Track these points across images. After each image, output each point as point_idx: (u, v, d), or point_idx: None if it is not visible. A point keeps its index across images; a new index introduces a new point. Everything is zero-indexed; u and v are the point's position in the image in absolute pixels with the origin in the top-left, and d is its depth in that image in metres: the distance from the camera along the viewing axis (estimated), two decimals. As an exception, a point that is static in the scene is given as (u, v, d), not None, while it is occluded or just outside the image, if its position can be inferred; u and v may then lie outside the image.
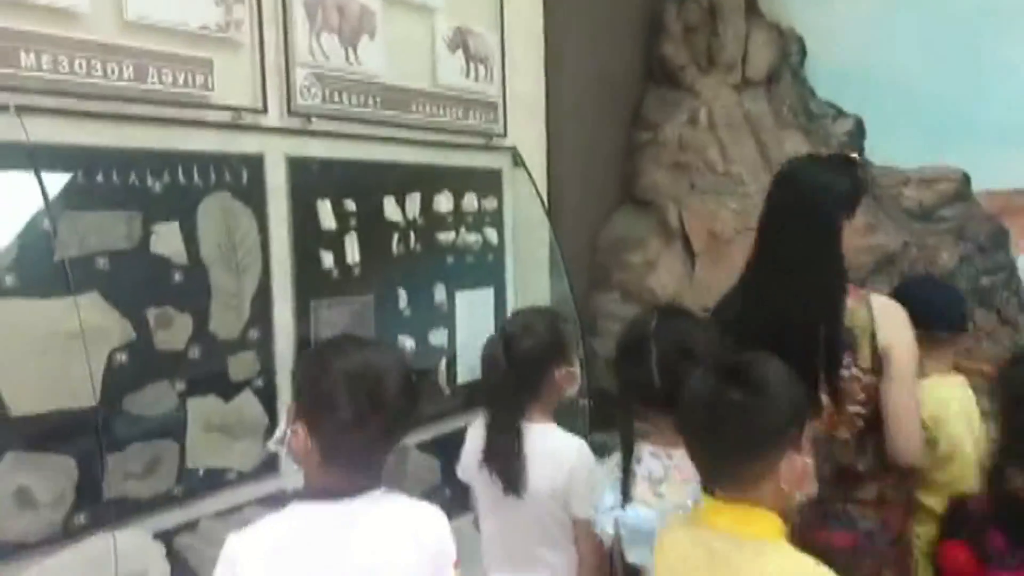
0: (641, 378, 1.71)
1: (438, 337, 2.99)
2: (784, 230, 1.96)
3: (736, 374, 1.37)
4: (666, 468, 1.71)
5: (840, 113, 4.56)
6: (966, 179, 4.17)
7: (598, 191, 4.27)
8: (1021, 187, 3.98)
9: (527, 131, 3.63)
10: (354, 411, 1.32)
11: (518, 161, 3.44)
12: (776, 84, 4.67)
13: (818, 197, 1.93)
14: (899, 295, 2.33)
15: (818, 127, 4.58)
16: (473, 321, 3.16)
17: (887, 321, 1.95)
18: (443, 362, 3.02)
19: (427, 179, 2.97)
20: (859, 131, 4.53)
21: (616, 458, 1.78)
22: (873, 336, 1.93)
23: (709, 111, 4.37)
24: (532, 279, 3.53)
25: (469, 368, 3.16)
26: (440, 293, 3.01)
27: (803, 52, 4.69)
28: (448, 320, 3.05)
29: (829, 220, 1.92)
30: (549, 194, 3.77)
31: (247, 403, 2.36)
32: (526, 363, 1.97)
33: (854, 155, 2.27)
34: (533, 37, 3.72)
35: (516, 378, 1.96)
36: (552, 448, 1.96)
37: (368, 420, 1.33)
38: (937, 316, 2.37)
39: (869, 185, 2.00)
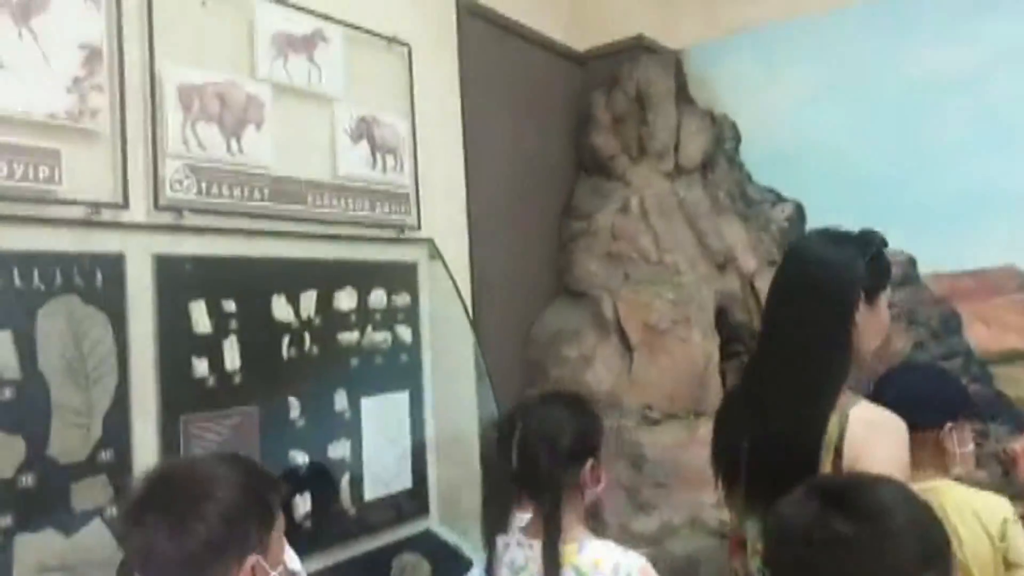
0: (504, 462, 1.68)
1: (339, 450, 2.69)
2: (785, 310, 1.82)
3: (842, 499, 1.09)
4: (527, 558, 1.66)
5: (779, 198, 4.47)
6: (912, 262, 4.05)
7: (530, 282, 4.08)
8: (967, 268, 3.86)
9: (446, 221, 3.45)
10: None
11: (434, 254, 3.23)
12: (712, 171, 4.59)
13: (833, 276, 1.76)
14: (876, 389, 2.11)
15: (757, 213, 4.48)
16: (384, 429, 2.88)
17: (859, 435, 1.66)
18: (346, 477, 2.71)
19: (326, 275, 2.74)
20: (799, 216, 4.44)
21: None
22: (838, 452, 1.66)
23: (641, 200, 4.25)
24: (455, 379, 3.27)
25: (380, 482, 2.86)
26: (341, 400, 2.72)
27: (737, 137, 4.64)
28: (352, 430, 2.76)
29: (839, 301, 1.74)
30: (473, 287, 3.57)
31: (95, 536, 2.03)
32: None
33: (875, 232, 2.09)
34: (450, 126, 3.60)
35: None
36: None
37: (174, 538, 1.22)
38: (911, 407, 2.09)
39: (890, 267, 1.83)
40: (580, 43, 4.77)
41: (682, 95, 4.68)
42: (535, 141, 4.28)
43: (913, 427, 1.85)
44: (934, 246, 3.88)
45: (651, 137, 4.51)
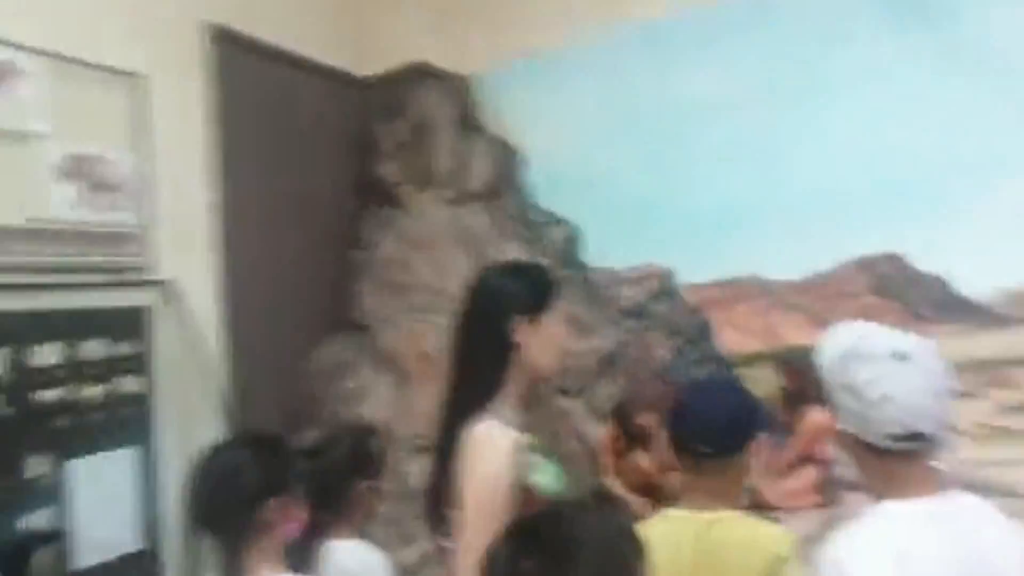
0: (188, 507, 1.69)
1: (35, 520, 2.46)
2: (460, 336, 1.91)
3: (535, 535, 1.12)
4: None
5: (557, 220, 4.57)
6: (670, 274, 4.23)
7: (304, 317, 3.95)
8: (718, 279, 4.06)
9: (192, 261, 3.27)
10: None
11: (170, 297, 3.05)
12: (499, 197, 4.64)
13: (488, 301, 1.88)
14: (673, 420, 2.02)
15: (537, 236, 4.56)
16: (103, 490, 2.66)
17: (467, 452, 1.73)
18: (43, 550, 2.47)
19: (19, 329, 2.52)
20: (574, 236, 4.55)
21: None
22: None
23: (421, 228, 4.23)
24: (200, 427, 3.08)
25: (99, 547, 2.64)
26: (38, 465, 2.50)
27: (523, 163, 4.71)
28: (53, 496, 2.53)
29: (489, 323, 1.84)
30: (231, 327, 3.40)
31: None
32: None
33: (541, 260, 2.21)
34: (196, 160, 3.42)
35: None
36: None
37: None
38: (715, 436, 1.93)
39: (555, 289, 1.98)
40: (362, 69, 4.70)
41: (469, 121, 4.70)
42: (310, 171, 4.16)
43: (715, 455, 1.84)
44: (690, 259, 4.07)
45: (435, 164, 4.50)
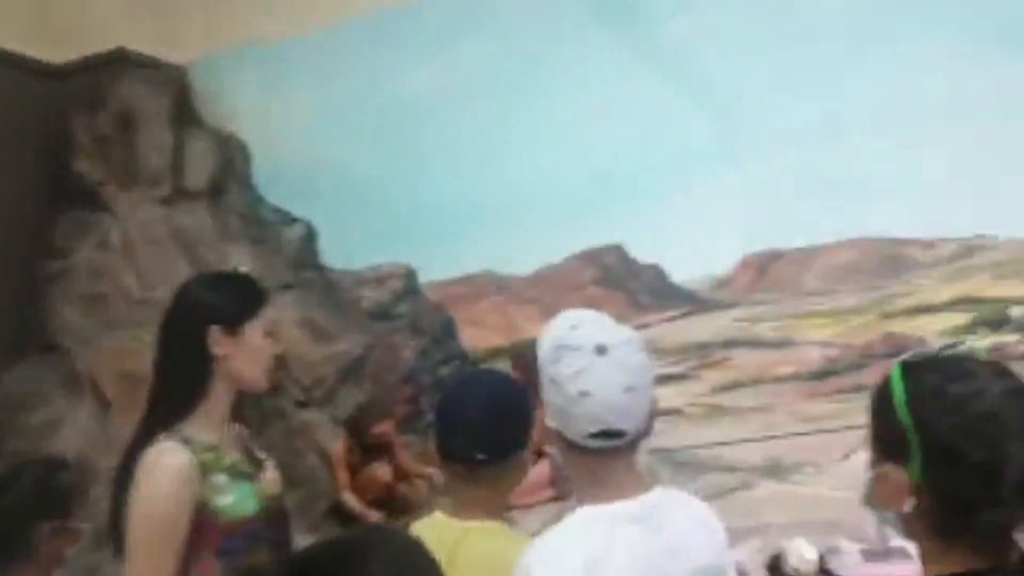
0: None
1: None
2: (157, 350, 1.70)
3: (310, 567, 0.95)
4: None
5: (291, 219, 4.29)
6: (412, 273, 4.13)
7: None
8: (458, 276, 4.03)
9: None
10: None
11: None
12: (222, 195, 4.26)
13: (184, 312, 1.71)
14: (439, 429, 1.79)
15: (269, 236, 4.26)
16: None
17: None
18: None
19: None
20: (310, 235, 4.31)
21: None
22: None
23: (125, 231, 3.76)
24: None
25: None
26: None
27: (249, 157, 4.37)
28: None
29: (183, 334, 1.67)
30: None
31: None
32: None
33: (243, 269, 1.91)
34: None
35: None
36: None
37: None
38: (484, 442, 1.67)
39: (258, 298, 1.75)
40: (56, 55, 4.10)
41: (185, 114, 4.27)
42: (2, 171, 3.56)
43: (489, 461, 1.58)
44: (430, 256, 3.98)
45: (143, 161, 4.03)
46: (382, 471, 3.38)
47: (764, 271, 3.59)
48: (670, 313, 3.69)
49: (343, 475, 3.38)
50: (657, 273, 3.71)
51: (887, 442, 0.91)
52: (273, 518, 1.57)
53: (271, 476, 1.71)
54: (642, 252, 3.73)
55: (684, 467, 3.73)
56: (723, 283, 3.64)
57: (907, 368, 0.90)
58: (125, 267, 3.64)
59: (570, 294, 3.81)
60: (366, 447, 3.40)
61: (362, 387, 4.13)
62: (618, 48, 3.47)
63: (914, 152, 3.32)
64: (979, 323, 3.36)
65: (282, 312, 4.07)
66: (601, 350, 1.36)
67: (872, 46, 3.41)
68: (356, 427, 3.44)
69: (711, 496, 3.18)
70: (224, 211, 4.18)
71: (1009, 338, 3.35)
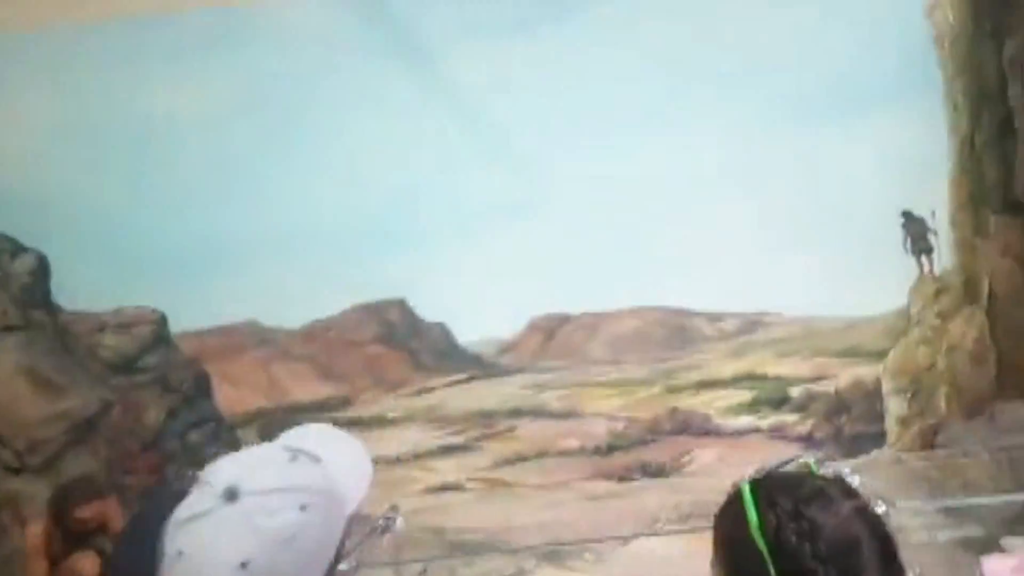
0: None
1: None
2: None
3: None
4: None
5: (20, 248, 3.62)
6: (163, 320, 3.57)
7: None
8: (216, 325, 3.52)
9: None
10: None
11: None
12: None
13: None
14: None
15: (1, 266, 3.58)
16: None
17: None
18: None
19: None
20: (42, 269, 3.66)
21: None
22: None
23: None
24: None
25: None
26: None
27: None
28: None
29: None
30: None
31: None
32: None
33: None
34: None
35: None
36: None
37: None
38: None
39: None
40: None
41: None
42: None
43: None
44: (183, 302, 3.44)
45: None
46: (85, 563, 2.79)
47: (552, 336, 3.37)
48: (455, 377, 3.39)
49: (39, 567, 2.76)
50: (442, 332, 3.41)
51: (740, 567, 0.84)
52: None
53: None
54: (427, 309, 3.41)
55: (459, 547, 3.41)
56: (509, 347, 3.39)
57: (756, 488, 0.79)
58: None
59: (349, 350, 3.42)
60: (70, 533, 2.81)
61: (96, 453, 3.51)
62: (404, 84, 3.17)
63: (705, 224, 3.24)
64: (761, 401, 3.30)
65: (1, 358, 3.42)
66: (231, 495, 0.96)
67: (671, 116, 3.33)
68: (60, 508, 2.83)
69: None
70: None
71: (789, 417, 3.31)
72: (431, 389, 3.30)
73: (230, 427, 3.45)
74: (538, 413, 3.32)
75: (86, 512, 2.85)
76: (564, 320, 3.36)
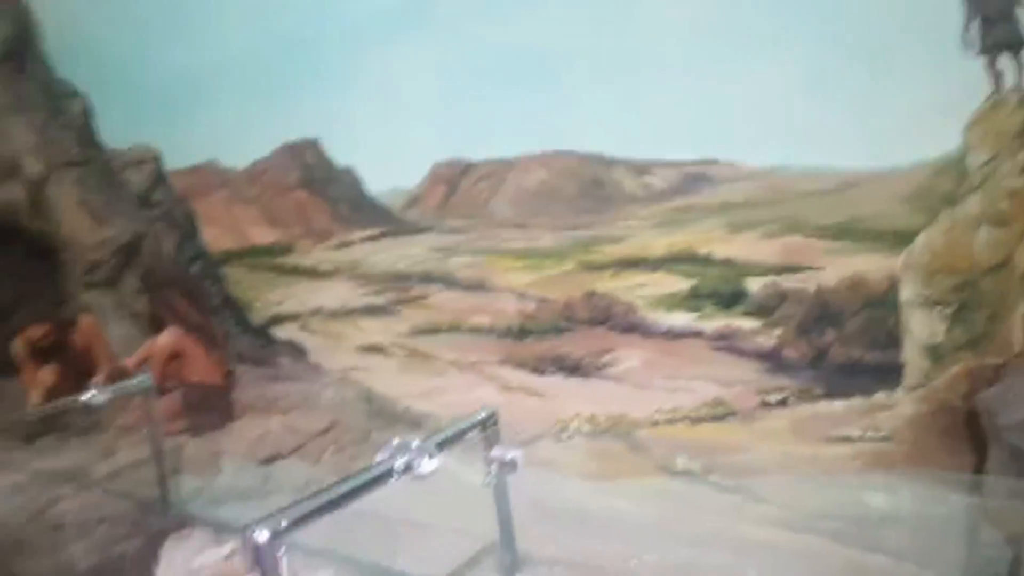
0: None
1: None
2: None
3: None
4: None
5: (75, 93, 3.94)
6: (160, 158, 3.63)
7: None
8: (190, 165, 3.47)
9: None
10: None
11: None
12: (22, 63, 4.00)
13: None
14: None
15: (59, 108, 3.97)
16: None
17: None
18: None
19: None
20: (88, 111, 3.93)
21: None
22: None
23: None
24: None
25: None
26: None
27: (40, 29, 4.00)
28: None
29: None
30: None
31: None
32: None
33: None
34: None
35: None
36: None
37: None
38: None
39: None
40: None
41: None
42: None
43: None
44: (170, 140, 3.46)
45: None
46: (44, 373, 3.24)
47: (455, 189, 2.66)
48: (369, 232, 2.93)
49: (28, 372, 3.31)
50: (353, 180, 2.92)
51: None
52: None
53: None
54: (338, 151, 2.93)
55: (379, 416, 3.13)
56: (415, 200, 2.77)
57: None
58: None
59: (283, 196, 3.16)
60: (36, 349, 3.27)
61: (138, 274, 3.91)
62: None
63: (634, 55, 2.12)
64: (703, 294, 2.23)
65: (62, 191, 3.91)
66: None
67: None
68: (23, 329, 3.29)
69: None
70: (19, 83, 3.96)
71: (744, 322, 2.20)
72: (350, 243, 2.94)
73: (215, 263, 3.54)
74: (448, 281, 2.77)
75: (33, 334, 3.27)
76: (467, 169, 2.62)
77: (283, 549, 1.17)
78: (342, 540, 1.45)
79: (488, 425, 1.64)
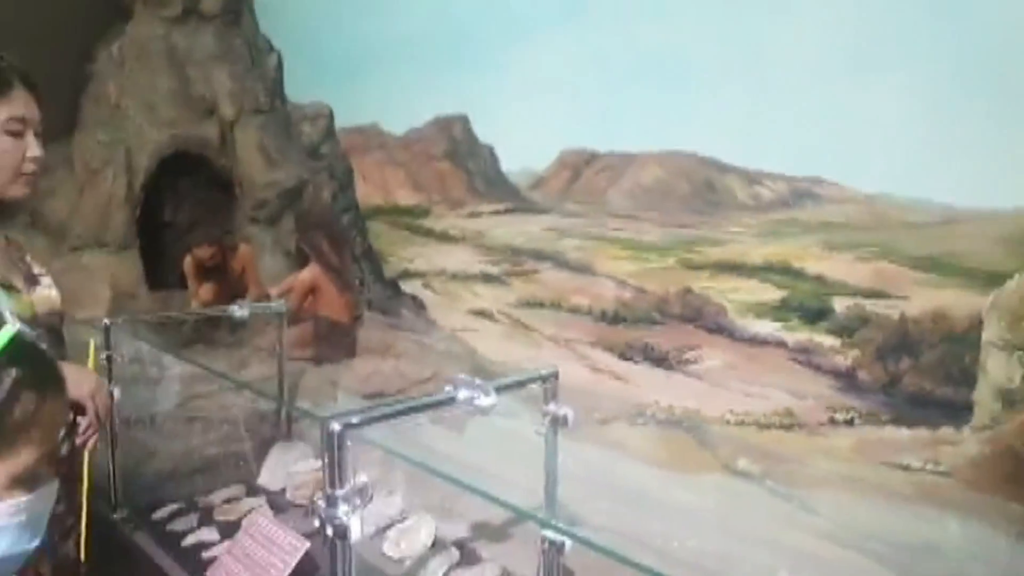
0: None
1: None
2: None
3: None
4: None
5: (271, 48, 4.45)
6: (332, 115, 4.05)
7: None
8: (353, 124, 3.84)
9: None
10: None
11: None
12: (236, 18, 4.56)
13: None
14: None
15: (257, 60, 4.50)
16: None
17: None
18: None
19: None
20: (280, 66, 4.42)
21: None
22: None
23: (123, 45, 4.33)
24: None
25: None
26: None
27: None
28: None
29: None
30: None
31: None
32: None
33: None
34: None
35: None
36: None
37: None
38: None
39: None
40: None
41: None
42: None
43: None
44: (344, 99, 3.89)
45: (166, -21, 4.47)
46: (205, 289, 3.74)
47: (578, 175, 2.86)
48: (496, 206, 3.18)
49: (192, 286, 3.82)
50: (491, 157, 3.18)
51: None
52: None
53: (43, 293, 1.61)
54: (482, 129, 3.19)
55: (477, 374, 3.35)
56: (541, 182, 2.98)
57: None
58: (110, 76, 4.27)
59: (428, 165, 3.47)
60: (200, 267, 3.77)
61: (295, 216, 4.35)
62: None
63: (760, 67, 2.24)
64: (791, 306, 2.31)
65: (246, 134, 4.42)
66: None
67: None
68: (190, 249, 3.80)
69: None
70: (232, 35, 4.52)
71: (825, 339, 2.26)
72: (479, 214, 3.21)
73: (363, 217, 3.91)
74: (557, 261, 2.98)
75: (199, 253, 3.75)
76: (591, 158, 2.81)
77: (349, 441, 1.42)
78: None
79: (548, 380, 1.83)
